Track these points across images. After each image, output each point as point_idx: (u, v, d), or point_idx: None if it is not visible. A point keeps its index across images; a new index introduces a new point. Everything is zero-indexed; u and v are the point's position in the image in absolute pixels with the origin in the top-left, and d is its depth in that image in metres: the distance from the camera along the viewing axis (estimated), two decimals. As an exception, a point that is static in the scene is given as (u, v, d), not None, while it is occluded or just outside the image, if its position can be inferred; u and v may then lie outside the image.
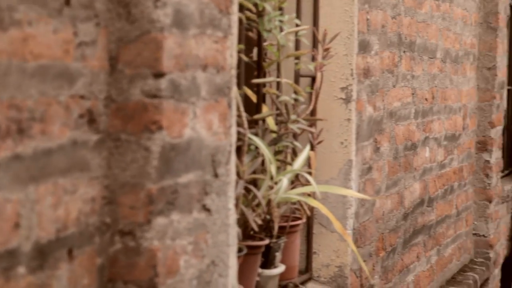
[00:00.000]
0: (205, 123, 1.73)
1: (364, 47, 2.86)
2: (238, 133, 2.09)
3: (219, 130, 1.79)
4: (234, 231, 1.86)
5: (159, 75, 1.56)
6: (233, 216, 1.85)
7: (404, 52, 3.61)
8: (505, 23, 5.11)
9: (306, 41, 2.43)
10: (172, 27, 1.59)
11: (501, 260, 5.28)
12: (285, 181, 2.19)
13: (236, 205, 2.06)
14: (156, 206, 1.57)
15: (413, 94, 3.78)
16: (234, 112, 1.85)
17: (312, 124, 2.60)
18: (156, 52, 1.56)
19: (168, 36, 1.57)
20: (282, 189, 2.18)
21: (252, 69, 2.40)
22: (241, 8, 2.18)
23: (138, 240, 1.56)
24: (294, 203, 2.45)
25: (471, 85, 4.85)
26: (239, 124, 2.07)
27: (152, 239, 1.56)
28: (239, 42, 2.15)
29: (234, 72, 1.84)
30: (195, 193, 1.71)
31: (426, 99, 3.99)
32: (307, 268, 2.75)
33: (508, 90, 5.92)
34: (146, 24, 1.55)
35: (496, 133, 5.11)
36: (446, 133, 4.36)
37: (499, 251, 5.24)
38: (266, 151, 2.15)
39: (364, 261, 2.89)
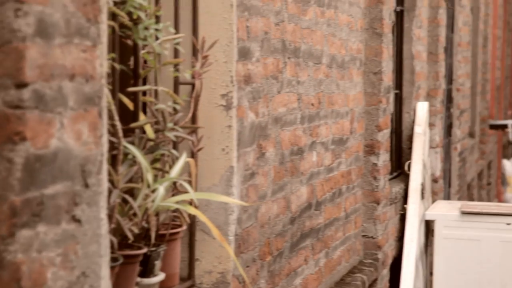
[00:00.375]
0: (73, 133, 1.71)
1: (244, 54, 2.88)
2: (113, 142, 2.08)
3: (89, 140, 1.77)
4: (106, 241, 1.85)
5: (21, 85, 1.54)
6: (105, 226, 1.84)
7: (289, 58, 3.65)
8: (390, 29, 5.23)
9: (181, 49, 2.44)
10: (35, 37, 1.57)
11: (389, 261, 5.40)
12: (161, 189, 2.18)
13: (112, 215, 2.04)
14: (20, 218, 1.54)
15: (299, 99, 3.83)
16: (105, 121, 1.84)
17: (192, 131, 2.60)
18: (18, 62, 1.53)
19: (30, 46, 1.55)
20: (158, 197, 2.17)
21: (130, 78, 2.39)
22: (116, 16, 2.17)
23: (1, 253, 1.53)
24: (174, 211, 2.45)
25: (358, 89, 4.94)
26: (114, 133, 2.06)
27: (16, 252, 1.54)
28: (113, 50, 2.14)
29: (104, 81, 1.82)
30: (64, 204, 1.69)
31: (312, 104, 4.04)
32: (189, 275, 2.75)
33: (396, 94, 6.06)
34: (6, 33, 1.53)
35: (383, 136, 5.23)
36: (333, 137, 4.43)
37: (388, 252, 5.36)
38: (141, 160, 2.14)
39: (248, 266, 2.91)
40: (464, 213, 5.91)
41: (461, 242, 5.91)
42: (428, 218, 5.99)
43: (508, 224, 5.82)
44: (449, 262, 5.90)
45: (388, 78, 5.25)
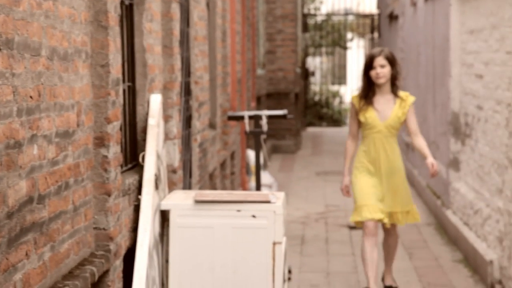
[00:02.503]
0: None
1: None
2: None
3: None
4: None
5: None
6: None
7: (1, 50, 3.59)
8: (116, 22, 5.26)
9: None
10: None
11: (123, 252, 5.44)
12: None
13: None
14: None
15: (14, 92, 3.77)
16: None
17: None
18: None
19: None
20: None
21: None
22: None
23: None
24: None
25: (85, 82, 4.94)
26: None
27: None
28: None
29: None
30: None
31: (31, 97, 3.99)
32: None
33: (128, 86, 6.11)
34: None
35: (113, 129, 5.26)
36: (57, 130, 4.40)
37: (121, 243, 5.40)
38: None
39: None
40: (197, 201, 6.09)
41: (196, 230, 6.09)
42: (163, 208, 6.11)
43: (239, 210, 6.07)
44: (184, 250, 6.06)
45: (116, 70, 5.28)
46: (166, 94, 7.08)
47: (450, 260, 9.45)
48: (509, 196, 7.79)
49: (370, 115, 7.29)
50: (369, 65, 7.27)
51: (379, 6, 21.54)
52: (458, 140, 10.69)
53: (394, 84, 7.33)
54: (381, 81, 7.23)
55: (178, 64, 7.27)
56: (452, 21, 10.54)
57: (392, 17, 18.55)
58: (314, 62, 26.10)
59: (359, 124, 7.39)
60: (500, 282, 8.06)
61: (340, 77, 29.12)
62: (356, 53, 26.26)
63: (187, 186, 8.17)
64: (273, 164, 17.73)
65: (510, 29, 7.59)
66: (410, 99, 7.36)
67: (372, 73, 7.25)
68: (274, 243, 6.05)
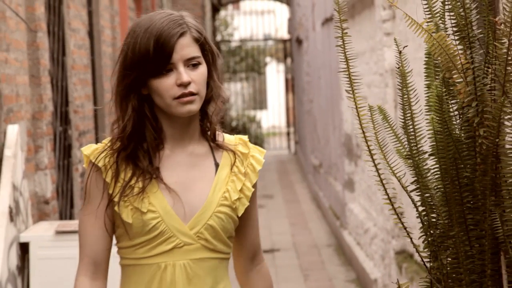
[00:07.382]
0: None
1: None
2: None
3: None
4: None
5: None
6: None
7: None
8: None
9: None
10: None
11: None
12: None
13: None
14: None
15: None
16: None
17: None
18: None
19: None
20: None
21: None
22: None
23: None
24: None
25: None
26: None
27: None
28: None
29: None
30: None
31: None
32: None
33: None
34: None
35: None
36: None
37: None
38: None
39: None
40: (58, 232, 5.99)
41: (57, 261, 5.98)
42: (22, 240, 6.00)
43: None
44: (45, 283, 5.95)
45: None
46: (36, 124, 6.99)
47: (343, 280, 9.50)
48: (387, 214, 7.87)
49: (150, 205, 2.52)
50: (150, 64, 2.48)
51: (289, 31, 21.69)
52: (352, 161, 10.78)
53: (206, 114, 2.59)
54: (192, 107, 2.50)
55: (48, 93, 7.18)
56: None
57: (299, 42, 18.72)
58: (233, 88, 26.15)
59: (114, 229, 2.58)
60: (382, 301, 8.11)
61: (261, 102, 29.24)
62: (276, 77, 26.55)
63: (68, 216, 8.05)
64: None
65: (381, 51, 7.70)
66: (256, 152, 2.66)
67: (163, 85, 2.50)
68: (137, 272, 5.97)
